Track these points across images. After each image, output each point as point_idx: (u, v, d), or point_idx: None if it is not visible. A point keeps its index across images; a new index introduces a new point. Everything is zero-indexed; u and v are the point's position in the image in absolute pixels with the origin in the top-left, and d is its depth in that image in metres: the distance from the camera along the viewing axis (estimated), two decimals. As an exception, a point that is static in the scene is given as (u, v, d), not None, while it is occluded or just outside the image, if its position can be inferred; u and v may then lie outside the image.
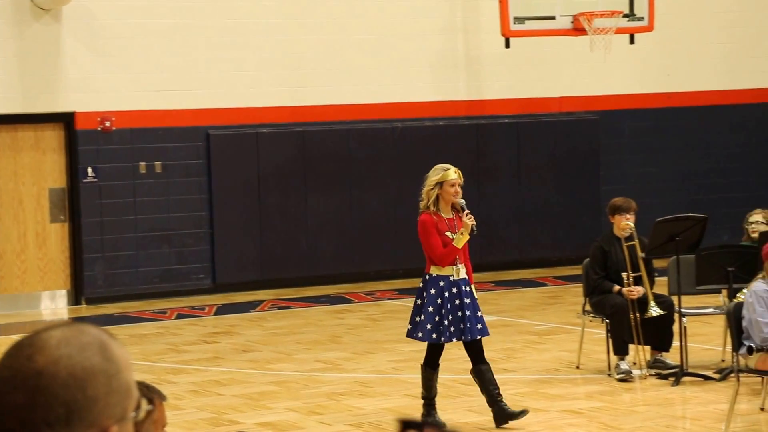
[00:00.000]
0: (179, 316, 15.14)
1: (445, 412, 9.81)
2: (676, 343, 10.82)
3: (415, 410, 9.87)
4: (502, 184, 17.79)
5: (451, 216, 9.28)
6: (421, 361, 9.50)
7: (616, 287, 10.82)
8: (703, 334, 12.26)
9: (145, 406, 2.30)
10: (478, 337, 9.19)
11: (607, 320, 10.86)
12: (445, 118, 17.62)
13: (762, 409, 9.49)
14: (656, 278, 11.24)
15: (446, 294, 9.13)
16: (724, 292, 10.89)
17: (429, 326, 9.16)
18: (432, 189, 9.20)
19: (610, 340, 10.88)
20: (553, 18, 15.93)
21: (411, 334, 9.38)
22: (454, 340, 9.21)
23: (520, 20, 15.75)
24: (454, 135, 17.57)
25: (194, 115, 16.49)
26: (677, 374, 10.58)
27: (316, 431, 9.42)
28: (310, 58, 16.97)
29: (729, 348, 9.59)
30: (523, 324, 13.83)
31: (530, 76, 17.91)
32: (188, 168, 16.48)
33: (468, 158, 17.62)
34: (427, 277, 9.24)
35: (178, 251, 16.44)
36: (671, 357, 10.95)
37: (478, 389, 9.38)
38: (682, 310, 10.76)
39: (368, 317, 14.66)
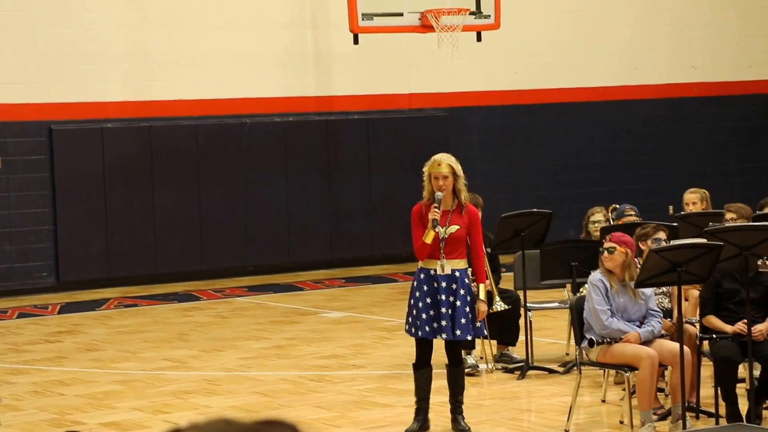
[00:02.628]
0: (21, 315, 14.80)
1: (293, 408, 9.77)
2: (522, 337, 10.95)
3: (262, 407, 9.81)
4: (352, 179, 17.81)
5: (447, 209, 8.84)
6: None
7: (463, 282, 10.90)
8: (548, 328, 12.44)
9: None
10: (451, 338, 8.72)
11: (454, 315, 10.92)
12: (294, 114, 17.56)
13: (603, 401, 9.66)
14: (502, 273, 11.34)
15: (425, 288, 8.78)
16: (568, 286, 11.05)
17: (410, 319, 8.88)
18: (426, 180, 8.89)
19: (457, 335, 10.96)
20: (401, 15, 15.99)
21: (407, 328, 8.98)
22: (430, 338, 8.77)
23: (368, 16, 15.77)
24: (303, 131, 17.53)
25: (36, 110, 16.13)
26: (523, 368, 10.71)
27: (161, 430, 9.27)
28: (156, 52, 16.74)
29: (573, 342, 9.73)
30: (373, 320, 13.86)
31: (379, 72, 17.96)
32: (30, 164, 16.12)
33: (318, 154, 17.60)
34: (417, 269, 8.95)
35: (19, 249, 16.07)
36: (517, 351, 11.08)
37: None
38: (528, 304, 10.89)
39: (217, 314, 14.53)
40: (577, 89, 19.25)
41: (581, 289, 10.08)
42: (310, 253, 17.55)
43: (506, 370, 10.90)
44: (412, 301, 8.85)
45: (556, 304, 11.65)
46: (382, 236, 17.97)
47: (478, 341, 10.92)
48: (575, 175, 19.28)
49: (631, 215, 11.47)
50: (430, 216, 8.70)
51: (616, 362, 8.66)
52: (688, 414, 8.56)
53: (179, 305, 15.26)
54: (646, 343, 8.61)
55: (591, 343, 8.61)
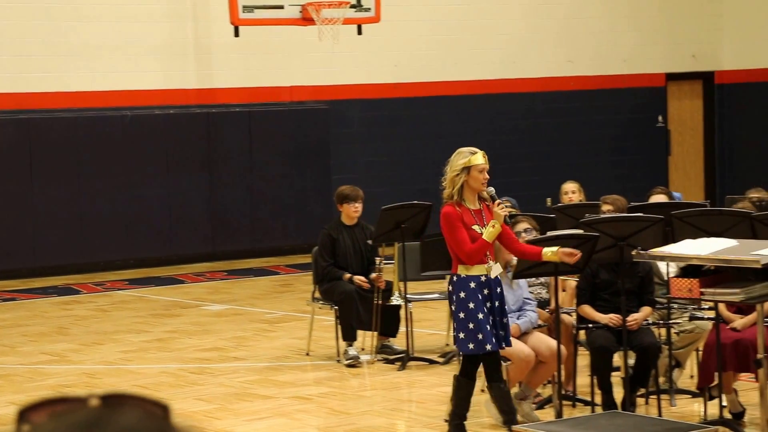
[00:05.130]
0: None
1: (174, 401, 9.73)
2: (402, 328, 11.05)
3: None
4: (233, 172, 17.76)
5: (478, 207, 8.02)
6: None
7: (347, 275, 10.97)
8: (428, 320, 12.56)
9: None
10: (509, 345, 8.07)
11: (336, 307, 11.00)
12: (175, 107, 17.46)
13: (483, 390, 9.79)
14: (384, 265, 11.43)
15: (479, 296, 7.86)
16: (448, 277, 11.15)
17: (462, 335, 7.88)
18: (458, 175, 8.02)
19: (339, 327, 11.04)
20: (281, 7, 16.01)
21: (457, 345, 8.12)
22: (496, 349, 7.98)
23: (249, 9, 15.77)
24: (184, 123, 17.45)
25: None
26: (403, 359, 10.82)
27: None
28: (34, 42, 16.51)
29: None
30: (254, 312, 13.87)
31: (261, 65, 17.95)
32: None
33: (199, 147, 17.53)
34: (455, 278, 7.99)
35: None
36: (398, 342, 11.18)
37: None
38: (408, 296, 10.99)
39: (97, 308, 14.41)
40: (458, 82, 19.44)
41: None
42: (191, 246, 17.47)
43: (387, 361, 10.99)
44: (461, 315, 7.87)
45: (436, 296, 11.76)
46: (263, 229, 17.97)
47: (359, 332, 11.01)
48: (455, 168, 19.44)
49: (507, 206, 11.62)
50: (500, 211, 7.86)
51: (495, 352, 8.78)
52: (564, 402, 8.74)
53: (59, 299, 15.10)
54: (526, 333, 8.75)
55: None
